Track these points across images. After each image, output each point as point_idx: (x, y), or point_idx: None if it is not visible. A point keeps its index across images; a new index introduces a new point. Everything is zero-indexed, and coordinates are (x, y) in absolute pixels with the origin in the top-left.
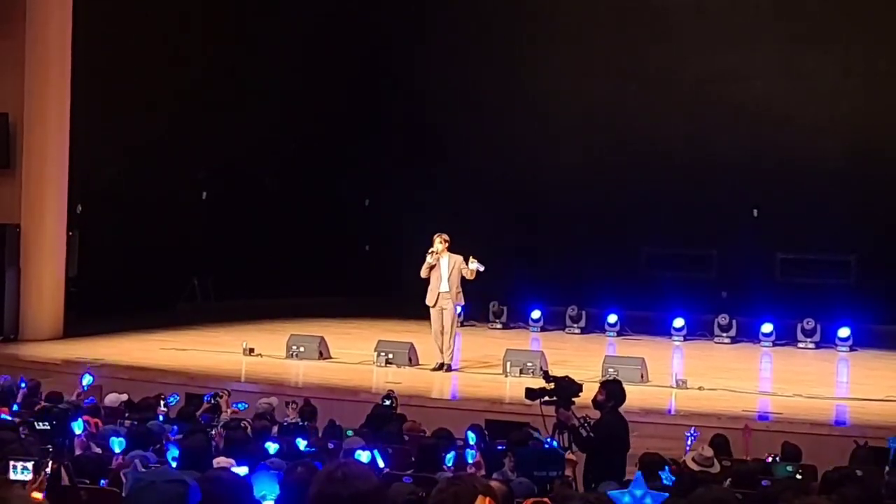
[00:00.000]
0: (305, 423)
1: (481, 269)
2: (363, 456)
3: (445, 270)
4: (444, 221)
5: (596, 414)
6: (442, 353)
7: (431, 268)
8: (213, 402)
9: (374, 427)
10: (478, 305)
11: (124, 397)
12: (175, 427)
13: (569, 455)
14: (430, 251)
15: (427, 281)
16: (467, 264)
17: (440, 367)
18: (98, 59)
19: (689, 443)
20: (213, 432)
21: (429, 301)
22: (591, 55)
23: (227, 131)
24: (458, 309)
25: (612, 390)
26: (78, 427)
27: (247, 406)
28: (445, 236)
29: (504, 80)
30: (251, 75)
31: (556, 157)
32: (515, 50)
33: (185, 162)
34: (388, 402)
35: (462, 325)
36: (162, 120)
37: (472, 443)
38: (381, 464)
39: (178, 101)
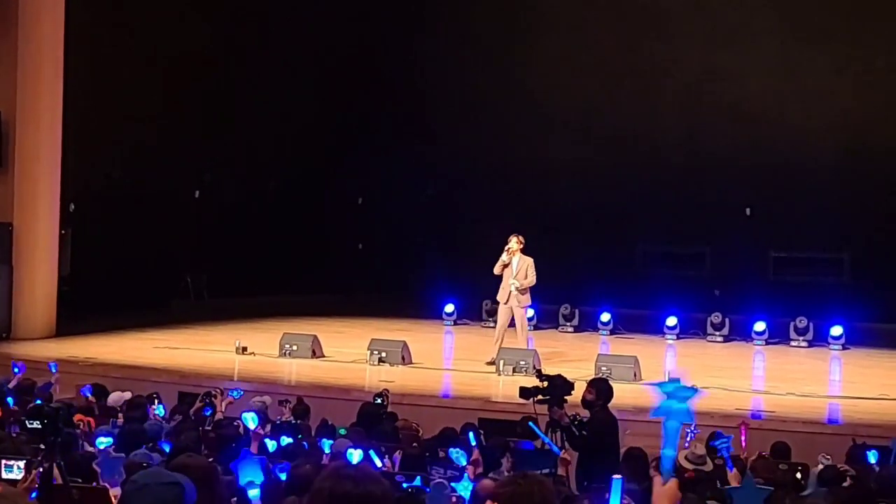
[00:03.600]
0: (298, 421)
1: (514, 286)
2: (355, 455)
3: (515, 270)
4: (438, 219)
5: (586, 413)
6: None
7: (505, 266)
8: (206, 401)
9: (365, 425)
10: (471, 303)
11: (127, 395)
12: (168, 426)
13: (563, 454)
14: (506, 248)
15: (499, 278)
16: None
17: (492, 363)
18: (91, 57)
19: (687, 440)
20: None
21: (500, 297)
22: (586, 51)
23: (220, 129)
24: (530, 311)
25: (600, 388)
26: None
27: (242, 393)
28: (521, 238)
29: (499, 77)
30: (245, 74)
31: (550, 154)
32: (511, 46)
33: (178, 160)
34: (378, 401)
35: (455, 323)
36: (156, 118)
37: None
38: (378, 463)
39: (172, 100)
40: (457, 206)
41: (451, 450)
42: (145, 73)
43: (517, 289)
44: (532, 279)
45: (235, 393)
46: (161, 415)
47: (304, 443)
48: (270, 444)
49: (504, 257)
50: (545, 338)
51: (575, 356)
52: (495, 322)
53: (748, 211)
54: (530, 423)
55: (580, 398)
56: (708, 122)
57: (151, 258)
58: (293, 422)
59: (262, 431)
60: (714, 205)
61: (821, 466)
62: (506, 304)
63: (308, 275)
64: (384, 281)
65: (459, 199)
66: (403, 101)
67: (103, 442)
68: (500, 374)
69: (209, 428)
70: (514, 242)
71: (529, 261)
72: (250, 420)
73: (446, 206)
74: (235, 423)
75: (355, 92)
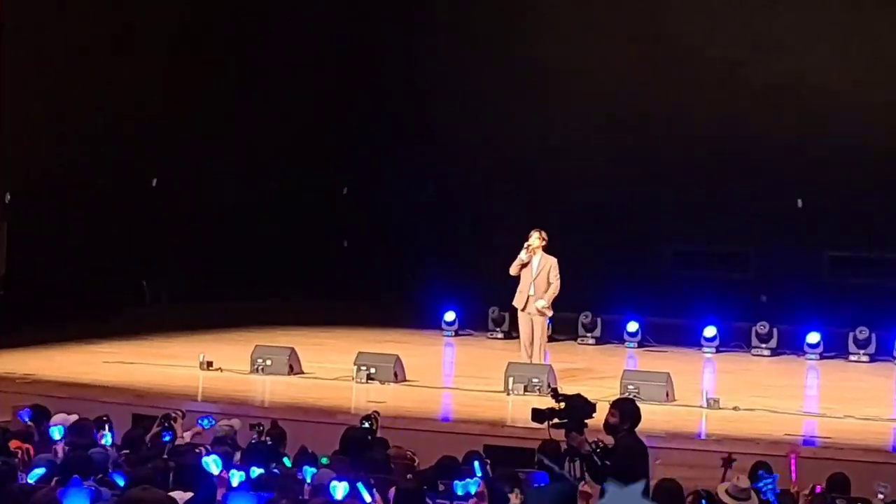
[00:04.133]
0: (271, 441)
1: (540, 306)
2: (339, 489)
3: (535, 272)
4: (437, 215)
5: (610, 439)
6: (531, 360)
7: (523, 266)
8: (165, 424)
9: (351, 454)
10: (475, 311)
11: (73, 419)
12: (120, 454)
13: (582, 487)
14: (525, 245)
15: (515, 281)
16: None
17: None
18: (35, 41)
19: (727, 469)
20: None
21: (517, 303)
22: (605, 21)
23: (185, 111)
24: (548, 320)
25: (625, 410)
26: None
27: (214, 423)
28: (544, 234)
29: (504, 54)
30: (209, 49)
31: (564, 143)
32: (517, 20)
33: (134, 146)
34: (366, 425)
35: (456, 333)
36: (109, 102)
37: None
38: (367, 499)
39: (127, 82)
40: (459, 202)
41: (456, 483)
42: (98, 58)
43: (543, 308)
44: (556, 286)
45: (206, 422)
46: (109, 443)
47: (276, 469)
48: (238, 476)
49: (522, 255)
50: (562, 351)
51: (597, 372)
52: (504, 332)
53: (800, 203)
54: (545, 460)
55: (602, 422)
56: (751, 100)
57: (101, 257)
58: (267, 442)
59: (226, 476)
60: (760, 196)
61: (880, 496)
62: (523, 310)
63: (285, 277)
64: (374, 284)
65: (462, 193)
66: (396, 76)
67: (37, 473)
68: (509, 394)
69: (167, 457)
70: (536, 238)
71: (553, 261)
72: (213, 464)
73: (447, 201)
74: (198, 450)
75: (339, 69)
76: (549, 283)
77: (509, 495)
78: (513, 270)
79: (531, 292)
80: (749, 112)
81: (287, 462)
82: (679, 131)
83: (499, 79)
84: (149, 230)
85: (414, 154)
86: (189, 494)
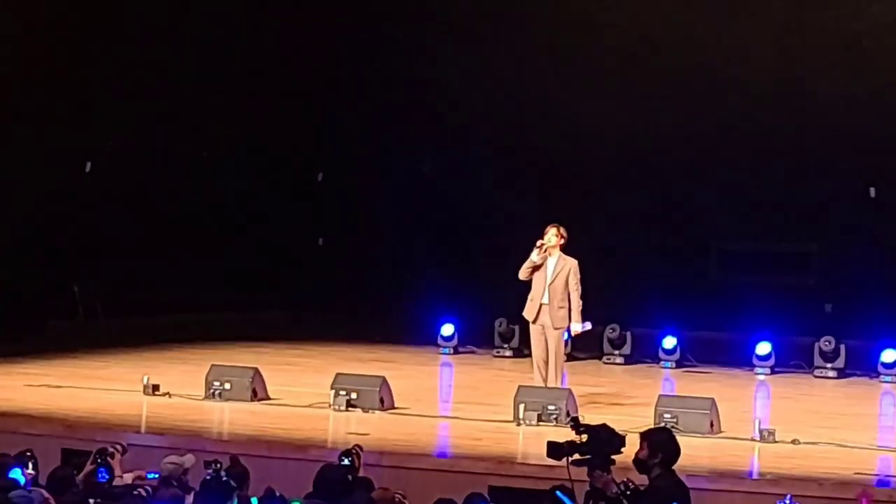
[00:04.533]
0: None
1: (582, 329)
2: None
3: (550, 275)
4: (433, 206)
5: (641, 478)
6: (546, 382)
7: (535, 268)
8: (100, 461)
9: (327, 496)
10: (478, 324)
11: None
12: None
13: None
14: (537, 244)
15: (526, 286)
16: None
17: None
18: None
19: None
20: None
21: (527, 314)
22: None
23: (125, 87)
24: (565, 334)
25: (657, 442)
26: None
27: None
28: (563, 230)
29: (516, 24)
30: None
31: (587, 121)
32: None
33: (64, 128)
34: (346, 461)
35: (456, 351)
36: (34, 79)
37: None
38: None
39: (57, 51)
40: (460, 191)
41: None
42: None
43: (580, 331)
44: (578, 296)
45: (154, 476)
46: (32, 484)
47: None
48: None
49: (534, 256)
50: (584, 372)
51: (626, 398)
52: (514, 349)
53: (872, 192)
54: (558, 493)
55: (633, 458)
56: (812, 66)
57: (22, 260)
58: (224, 479)
59: None
60: (822, 184)
61: None
62: (535, 322)
63: (247, 283)
64: (355, 291)
65: (463, 181)
66: (386, 40)
67: None
68: (520, 424)
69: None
70: (552, 235)
71: (573, 264)
72: None
73: (446, 189)
74: (139, 493)
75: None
76: (567, 291)
77: None
78: (522, 274)
79: (545, 300)
80: (809, 79)
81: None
82: (723, 104)
83: (511, 51)
84: (81, 226)
85: (404, 132)
86: None
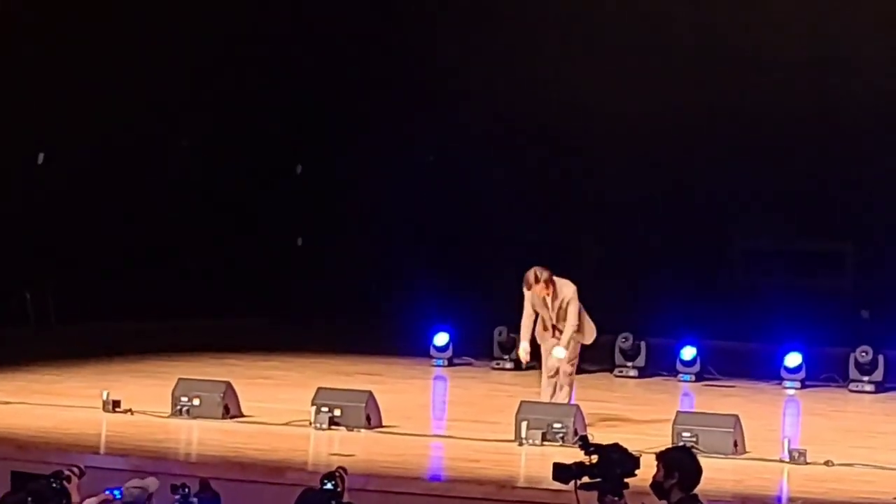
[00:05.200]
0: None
1: (558, 356)
2: None
3: (552, 317)
4: (425, 203)
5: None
6: (553, 398)
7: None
8: (55, 485)
9: None
10: (474, 333)
11: None
12: None
13: None
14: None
15: None
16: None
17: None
18: None
19: None
20: None
21: (540, 338)
22: None
23: (82, 70)
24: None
25: (675, 463)
26: None
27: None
28: (540, 274)
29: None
30: None
31: (601, 108)
32: None
33: (15, 117)
34: (328, 485)
35: (450, 362)
36: None
37: None
38: None
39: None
40: (457, 186)
41: None
42: None
43: (559, 358)
44: (571, 323)
45: (117, 492)
46: None
47: None
48: None
49: (522, 352)
50: (593, 386)
51: (641, 415)
52: (514, 361)
53: None
54: None
55: (650, 481)
56: (848, 44)
57: None
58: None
59: None
60: (858, 175)
61: None
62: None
63: (217, 286)
64: (338, 296)
65: (461, 174)
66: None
67: None
68: (522, 444)
69: None
70: (542, 288)
71: (567, 293)
72: None
73: (441, 190)
74: None
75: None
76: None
77: None
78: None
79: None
80: (846, 59)
81: None
82: (745, 86)
83: (518, 33)
84: (33, 225)
85: (395, 123)
86: None
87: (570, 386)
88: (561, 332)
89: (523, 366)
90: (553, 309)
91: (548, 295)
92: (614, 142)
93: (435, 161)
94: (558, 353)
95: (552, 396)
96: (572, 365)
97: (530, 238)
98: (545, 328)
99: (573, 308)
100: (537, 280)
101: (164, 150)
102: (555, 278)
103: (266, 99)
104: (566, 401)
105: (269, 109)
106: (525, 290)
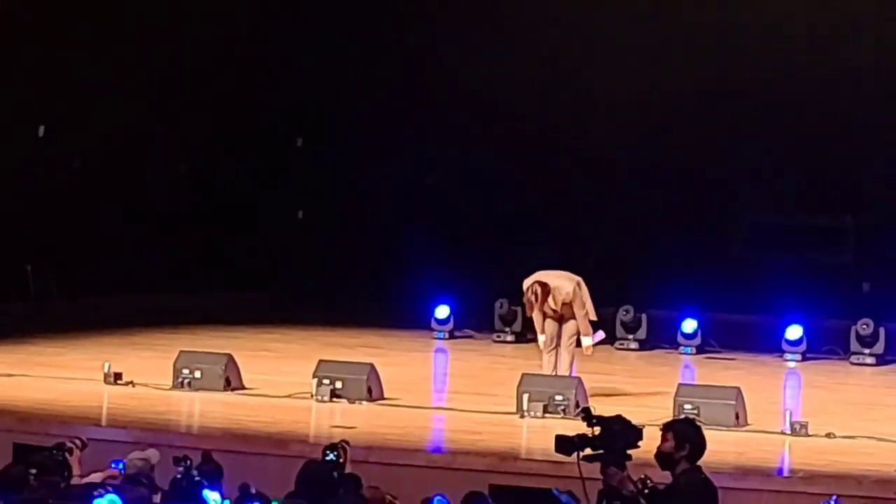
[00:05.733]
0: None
1: (594, 342)
2: None
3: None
4: (426, 175)
5: (663, 475)
6: (556, 370)
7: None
8: (58, 457)
9: (310, 496)
10: (476, 306)
11: None
12: None
13: None
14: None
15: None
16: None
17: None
18: None
19: None
20: None
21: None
22: None
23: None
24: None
25: (682, 434)
26: None
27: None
28: (538, 289)
29: None
30: None
31: (605, 82)
32: None
33: (14, 93)
34: (330, 457)
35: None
36: None
37: None
38: None
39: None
40: (457, 157)
41: None
42: None
43: (589, 346)
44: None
45: (121, 465)
46: None
47: None
48: None
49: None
50: (595, 359)
51: (642, 387)
52: (516, 333)
53: None
54: (554, 492)
55: (655, 451)
56: (849, 21)
57: None
58: (195, 477)
59: None
60: (859, 150)
61: None
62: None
63: (217, 260)
64: (339, 269)
65: (462, 152)
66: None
67: None
68: (524, 416)
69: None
70: (545, 308)
71: (569, 289)
72: None
73: (442, 162)
74: (97, 492)
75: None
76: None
77: None
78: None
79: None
80: (848, 35)
81: None
82: (752, 66)
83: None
84: (34, 199)
85: (394, 96)
86: None
87: (571, 356)
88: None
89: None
90: (557, 305)
91: (547, 302)
92: (618, 115)
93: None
94: (586, 342)
95: (554, 369)
96: (573, 336)
97: (528, 215)
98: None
99: (578, 304)
100: (537, 299)
101: (170, 128)
102: (552, 279)
103: (272, 76)
104: (567, 372)
105: (274, 86)
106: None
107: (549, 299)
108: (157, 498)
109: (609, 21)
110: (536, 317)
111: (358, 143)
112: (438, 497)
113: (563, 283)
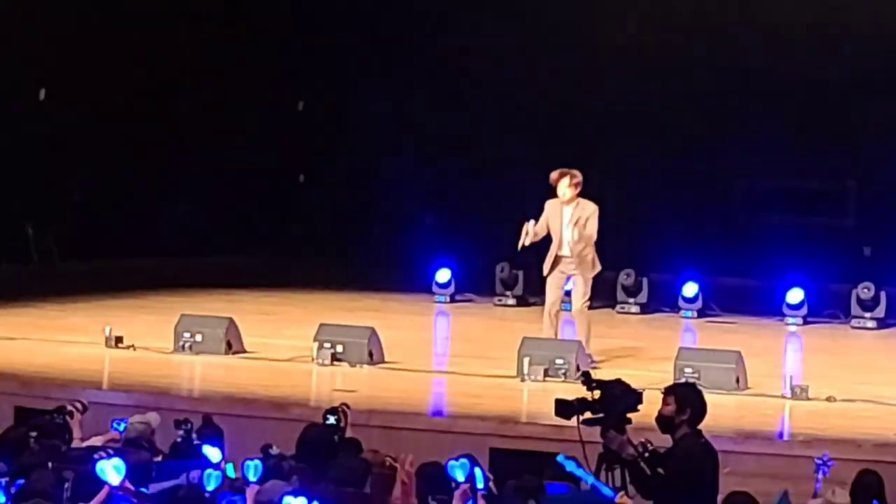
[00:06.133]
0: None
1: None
2: None
3: (567, 227)
4: (426, 137)
5: (663, 439)
6: (557, 335)
7: (536, 239)
8: (59, 420)
9: (311, 460)
10: (477, 269)
11: None
12: None
13: (622, 499)
14: (524, 229)
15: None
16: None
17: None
18: None
19: (818, 478)
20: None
21: (545, 269)
22: None
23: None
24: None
25: (684, 398)
26: None
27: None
28: (577, 175)
29: None
30: None
31: (606, 48)
32: None
33: (15, 52)
34: (331, 421)
35: (452, 299)
36: None
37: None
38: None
39: None
40: (457, 119)
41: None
42: None
43: (575, 244)
44: (591, 233)
45: (121, 426)
46: None
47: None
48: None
49: (530, 226)
50: (595, 322)
51: (643, 352)
52: (517, 297)
53: None
54: (561, 459)
55: (656, 415)
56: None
57: None
58: (195, 440)
59: (132, 487)
60: (860, 113)
61: None
62: (551, 272)
63: (219, 223)
64: (340, 232)
65: (462, 114)
66: None
67: None
68: (524, 380)
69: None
70: (566, 187)
71: (591, 210)
72: (111, 472)
73: (440, 118)
74: (98, 455)
75: None
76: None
77: None
78: (522, 245)
79: (564, 252)
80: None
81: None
82: (751, 30)
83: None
84: (34, 160)
85: (394, 58)
86: None
87: (588, 324)
88: (564, 258)
89: (522, 244)
90: (572, 220)
91: (570, 203)
92: (620, 80)
93: (424, 98)
94: (577, 305)
95: (556, 334)
96: (587, 302)
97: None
98: (558, 246)
99: (594, 221)
100: (570, 180)
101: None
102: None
103: (272, 37)
104: (587, 343)
105: (275, 48)
106: (559, 186)
107: (572, 203)
108: (159, 459)
109: None
110: (541, 222)
111: (360, 108)
112: (464, 458)
113: (588, 202)
